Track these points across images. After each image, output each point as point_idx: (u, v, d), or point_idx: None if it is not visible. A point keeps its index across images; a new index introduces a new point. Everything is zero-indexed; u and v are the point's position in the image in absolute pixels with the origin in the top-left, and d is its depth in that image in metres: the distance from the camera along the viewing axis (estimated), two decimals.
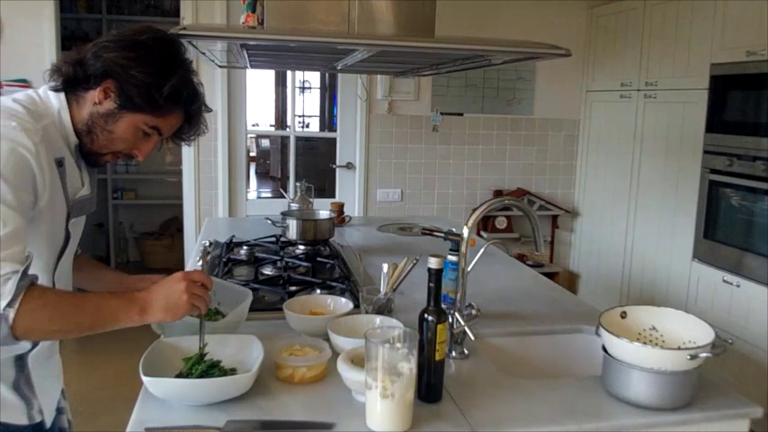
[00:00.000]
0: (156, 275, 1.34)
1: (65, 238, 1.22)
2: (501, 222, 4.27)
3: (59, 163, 1.17)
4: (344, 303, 1.57)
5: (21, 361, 1.24)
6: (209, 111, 1.33)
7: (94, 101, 1.19)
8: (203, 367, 1.21)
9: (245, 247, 2.21)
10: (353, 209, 4.09)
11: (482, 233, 4.24)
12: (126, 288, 1.31)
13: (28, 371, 1.25)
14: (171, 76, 1.19)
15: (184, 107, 1.25)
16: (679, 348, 1.24)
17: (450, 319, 1.38)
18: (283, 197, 3.29)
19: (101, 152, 1.25)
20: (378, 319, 1.44)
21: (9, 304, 0.97)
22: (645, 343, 1.30)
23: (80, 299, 1.12)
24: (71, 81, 1.19)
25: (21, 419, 1.24)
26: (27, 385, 1.25)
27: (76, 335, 1.10)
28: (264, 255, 2.19)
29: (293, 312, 1.48)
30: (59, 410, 1.41)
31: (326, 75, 4.86)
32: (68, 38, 4.61)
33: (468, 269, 1.47)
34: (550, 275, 3.67)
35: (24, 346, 1.22)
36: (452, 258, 1.64)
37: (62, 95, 1.20)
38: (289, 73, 4.29)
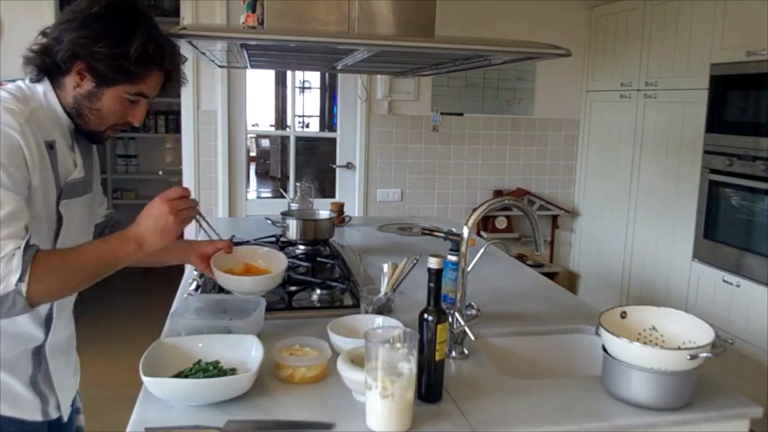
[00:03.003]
0: None
1: (57, 219, 1.23)
2: (501, 222, 4.27)
3: (50, 146, 1.18)
4: (281, 259, 1.66)
5: (38, 355, 1.24)
6: (185, 60, 1.31)
7: (73, 84, 1.20)
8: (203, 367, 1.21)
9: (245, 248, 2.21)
10: (353, 209, 4.09)
11: (482, 233, 4.24)
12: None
13: (46, 365, 1.25)
14: (133, 39, 1.16)
15: (159, 64, 1.23)
16: (679, 348, 1.24)
17: (451, 319, 1.37)
18: (283, 197, 3.29)
19: (98, 130, 1.26)
20: (378, 319, 1.44)
21: (20, 279, 1.01)
22: (645, 343, 1.30)
23: (80, 253, 1.14)
24: (45, 70, 1.20)
25: (34, 416, 1.24)
26: (45, 380, 1.25)
27: (86, 286, 1.14)
28: None
29: (220, 271, 1.52)
30: (77, 410, 1.42)
31: (326, 75, 4.85)
32: None
33: (468, 269, 1.47)
34: (550, 275, 3.67)
35: (38, 337, 1.23)
36: (452, 258, 1.64)
37: (46, 80, 1.21)
38: (289, 73, 4.28)
